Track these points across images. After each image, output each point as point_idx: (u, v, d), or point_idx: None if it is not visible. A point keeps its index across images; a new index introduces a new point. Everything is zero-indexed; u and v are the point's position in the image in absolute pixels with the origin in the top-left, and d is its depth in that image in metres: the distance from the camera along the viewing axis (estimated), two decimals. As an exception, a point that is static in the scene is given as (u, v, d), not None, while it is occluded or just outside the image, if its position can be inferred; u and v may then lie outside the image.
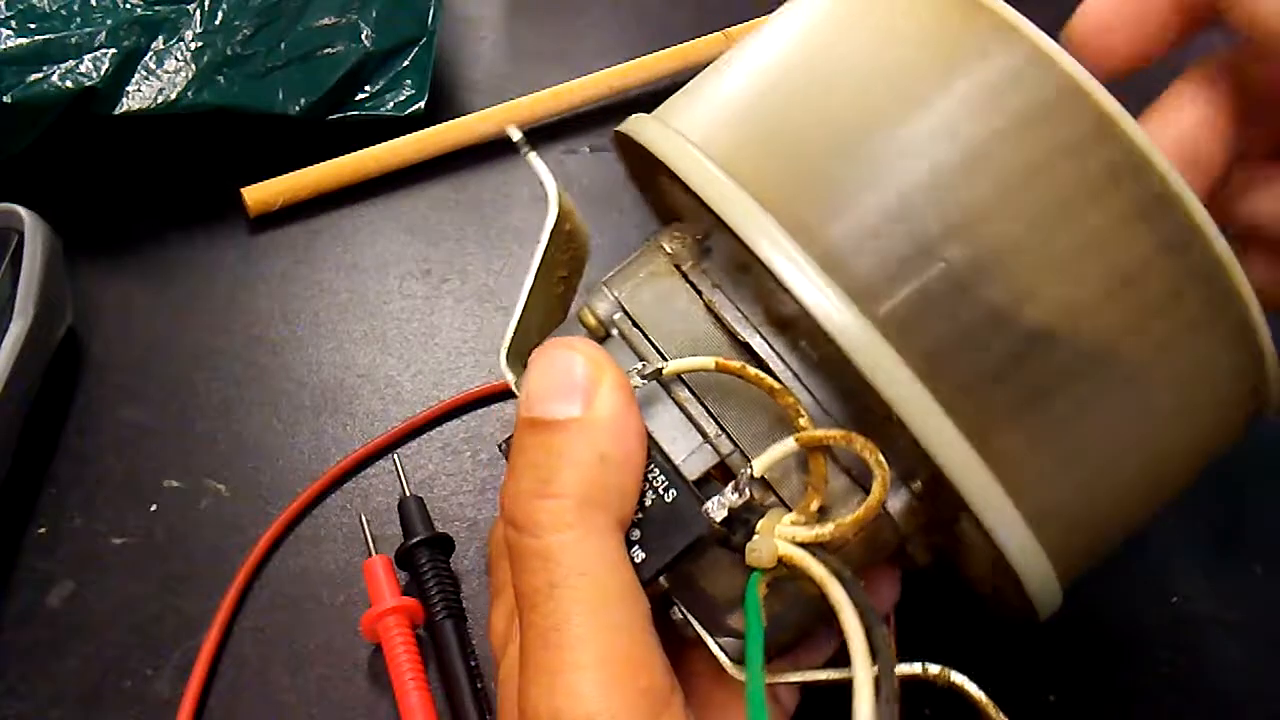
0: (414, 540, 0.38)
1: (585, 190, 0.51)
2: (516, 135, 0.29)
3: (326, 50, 0.50)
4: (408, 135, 0.51)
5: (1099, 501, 0.26)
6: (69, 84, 0.44)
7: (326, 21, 0.50)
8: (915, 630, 0.34)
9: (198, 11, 0.48)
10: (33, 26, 0.45)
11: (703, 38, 0.55)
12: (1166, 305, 0.24)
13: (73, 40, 0.45)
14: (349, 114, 0.50)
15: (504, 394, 0.44)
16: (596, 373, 0.25)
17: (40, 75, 0.44)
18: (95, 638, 0.37)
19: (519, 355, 0.27)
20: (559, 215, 0.28)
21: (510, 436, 0.27)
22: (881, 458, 0.24)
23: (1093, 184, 0.24)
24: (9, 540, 0.39)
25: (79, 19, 0.46)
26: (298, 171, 0.49)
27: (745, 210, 0.25)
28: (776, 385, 0.25)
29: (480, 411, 0.43)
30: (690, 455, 0.26)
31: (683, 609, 0.26)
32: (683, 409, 0.26)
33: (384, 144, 0.51)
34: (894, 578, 0.31)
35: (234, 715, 0.36)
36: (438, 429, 0.43)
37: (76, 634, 0.37)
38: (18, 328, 0.40)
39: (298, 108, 0.48)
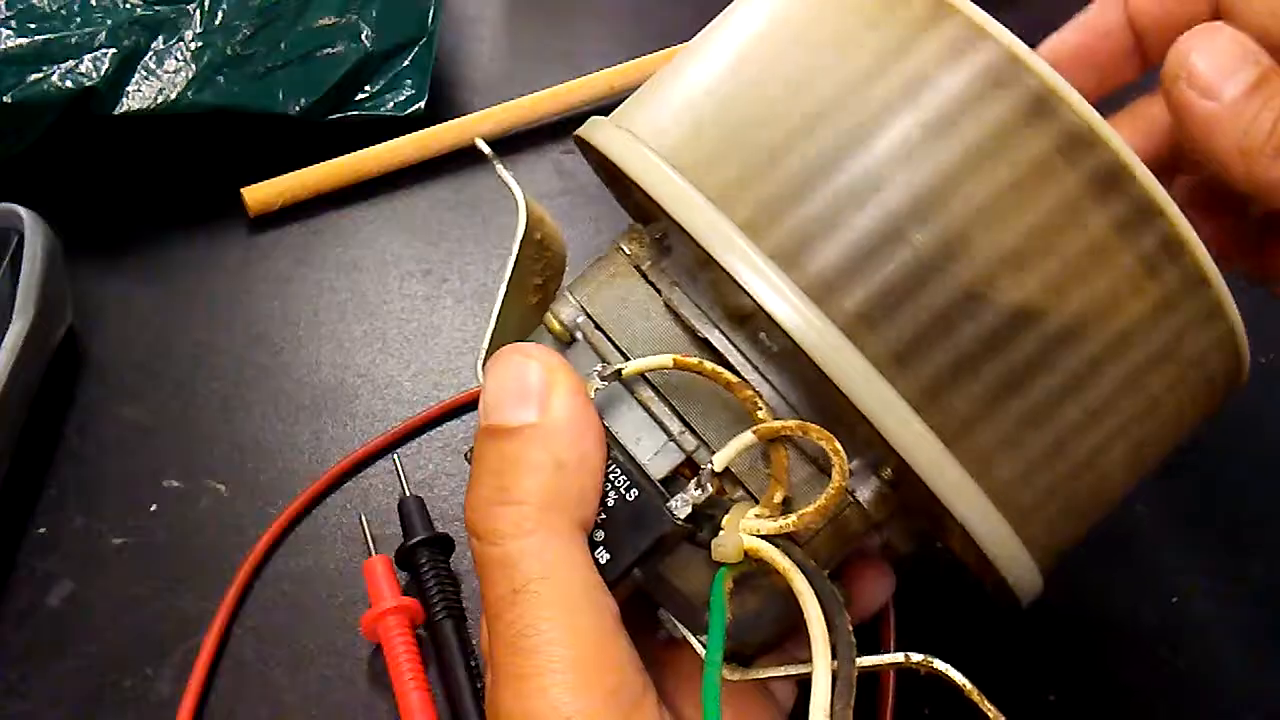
0: (414, 540, 0.38)
1: (584, 190, 0.51)
2: (485, 149, 0.29)
3: (326, 50, 0.50)
4: (408, 135, 0.51)
5: (1078, 486, 0.25)
6: (69, 84, 0.44)
7: (326, 21, 0.50)
8: (916, 630, 0.34)
9: (198, 11, 0.48)
10: (33, 26, 0.45)
11: (703, 38, 0.55)
12: (1135, 283, 0.24)
13: (73, 40, 0.45)
14: (349, 114, 0.50)
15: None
16: (550, 377, 0.25)
17: (40, 75, 0.44)
18: (95, 638, 0.37)
19: None
20: (529, 224, 0.28)
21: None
22: (839, 446, 0.24)
23: (1046, 160, 0.23)
24: (9, 540, 0.39)
25: (79, 19, 0.46)
26: (298, 171, 0.49)
27: (696, 210, 0.24)
28: (734, 379, 0.25)
29: (480, 411, 0.43)
30: (656, 454, 0.26)
31: (664, 608, 0.26)
32: (646, 408, 0.26)
33: (384, 144, 0.51)
34: (884, 573, 0.31)
35: (234, 715, 0.36)
36: (438, 429, 0.43)
37: (76, 634, 0.37)
38: (18, 328, 0.40)
39: (298, 108, 0.48)
